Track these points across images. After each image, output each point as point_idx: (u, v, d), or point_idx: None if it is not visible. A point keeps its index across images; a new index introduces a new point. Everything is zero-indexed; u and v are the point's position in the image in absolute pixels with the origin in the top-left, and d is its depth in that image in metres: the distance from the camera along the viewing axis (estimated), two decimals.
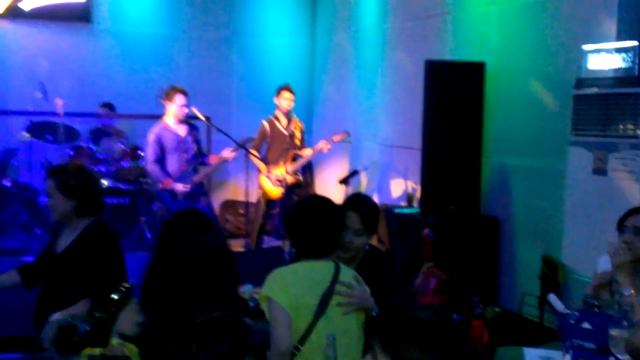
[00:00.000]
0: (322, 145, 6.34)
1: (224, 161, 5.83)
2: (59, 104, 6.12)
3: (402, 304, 1.64)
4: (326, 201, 2.63)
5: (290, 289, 2.38)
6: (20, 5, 7.13)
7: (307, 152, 6.47)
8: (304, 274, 2.45)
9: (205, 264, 1.96)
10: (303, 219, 2.53)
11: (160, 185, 5.62)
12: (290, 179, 6.33)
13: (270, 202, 6.44)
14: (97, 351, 1.82)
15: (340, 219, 2.59)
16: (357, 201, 2.95)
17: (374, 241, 5.57)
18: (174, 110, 5.59)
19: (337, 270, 2.49)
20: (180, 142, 5.65)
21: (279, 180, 6.30)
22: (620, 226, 2.92)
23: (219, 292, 1.98)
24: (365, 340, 1.66)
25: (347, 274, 2.54)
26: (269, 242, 6.78)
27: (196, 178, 5.72)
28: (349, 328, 2.44)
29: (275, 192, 6.33)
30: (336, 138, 6.38)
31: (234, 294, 2.09)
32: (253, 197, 6.71)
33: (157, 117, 6.05)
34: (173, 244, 1.97)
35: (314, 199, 2.73)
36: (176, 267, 1.93)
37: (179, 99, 5.57)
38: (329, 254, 2.54)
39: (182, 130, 5.68)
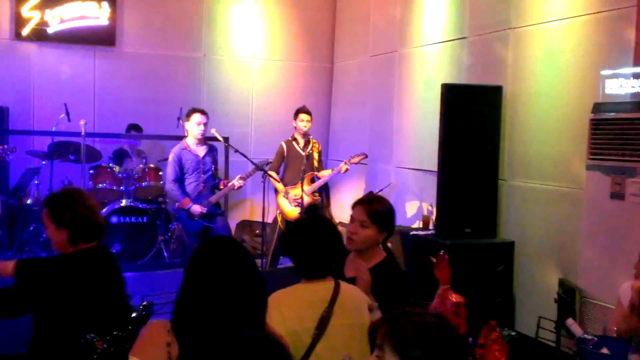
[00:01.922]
0: (342, 166, 6.39)
1: (232, 189, 5.89)
2: (82, 125, 6.23)
3: (410, 308, 1.67)
4: (323, 221, 2.61)
5: (286, 314, 2.34)
6: (45, 28, 7.30)
7: (325, 173, 6.52)
8: (302, 297, 2.42)
9: (237, 289, 1.98)
10: (300, 240, 2.50)
11: (178, 205, 5.70)
12: (307, 200, 6.37)
13: (287, 223, 6.47)
14: None
15: (337, 239, 2.55)
16: (368, 197, 3.07)
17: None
18: (192, 129, 5.71)
19: (337, 290, 2.45)
20: (199, 162, 5.75)
21: (297, 201, 6.33)
22: None
23: (250, 317, 1.99)
24: (370, 341, 1.67)
25: (351, 294, 2.50)
26: (285, 262, 6.80)
27: (212, 199, 5.80)
28: (351, 347, 2.40)
29: (293, 212, 6.37)
30: (354, 160, 6.41)
31: (264, 319, 2.10)
32: (269, 218, 6.74)
33: (178, 137, 6.15)
34: (206, 269, 1.99)
35: (311, 219, 2.70)
36: (209, 292, 1.95)
37: (196, 117, 5.69)
38: (327, 274, 2.51)
39: (201, 151, 5.78)
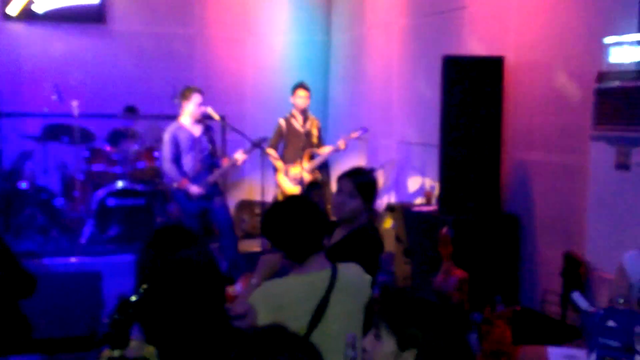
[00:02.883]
0: (339, 143, 6.31)
1: (235, 164, 5.82)
2: (74, 106, 6.13)
3: (408, 286, 1.65)
4: (303, 201, 2.54)
5: (283, 314, 2.24)
6: (33, 7, 7.16)
7: (324, 150, 6.45)
8: (297, 294, 2.31)
9: (194, 279, 1.93)
10: (282, 223, 2.39)
11: (176, 185, 5.62)
12: (307, 177, 6.30)
13: None
14: (116, 353, 1.79)
15: (318, 214, 2.44)
16: (353, 171, 3.26)
17: (391, 239, 5.55)
18: (190, 110, 5.61)
19: (334, 278, 2.36)
20: (195, 141, 5.65)
21: (297, 179, 6.27)
22: None
23: (208, 308, 1.94)
24: (366, 320, 1.65)
25: (350, 277, 2.42)
26: None
27: (210, 178, 5.71)
28: (348, 332, 2.30)
29: (293, 190, 6.31)
30: (354, 135, 6.35)
31: (224, 309, 2.04)
32: (269, 197, 6.68)
33: (173, 117, 6.05)
34: (158, 261, 1.94)
35: (290, 200, 2.66)
36: (164, 285, 1.91)
37: (196, 98, 5.59)
38: (317, 252, 2.40)
39: (197, 130, 5.69)
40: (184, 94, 5.64)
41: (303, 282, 2.34)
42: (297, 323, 2.25)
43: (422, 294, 1.61)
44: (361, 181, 3.14)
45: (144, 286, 2.05)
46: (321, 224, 2.45)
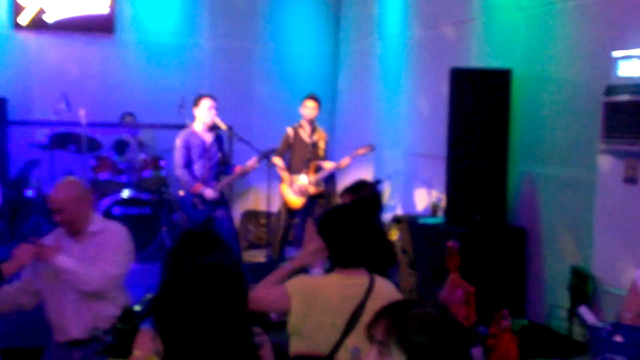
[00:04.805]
0: (344, 161, 6.32)
1: (247, 172, 5.82)
2: (82, 115, 6.15)
3: (409, 300, 1.63)
4: (362, 210, 2.61)
5: (319, 305, 2.35)
6: (44, 17, 7.21)
7: (329, 165, 6.43)
8: (336, 291, 2.40)
9: (218, 283, 1.92)
10: (339, 227, 2.48)
11: (190, 190, 5.63)
12: (312, 190, 6.29)
13: (291, 212, 6.40)
14: None
15: (376, 229, 2.65)
16: (354, 186, 3.33)
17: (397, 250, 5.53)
18: (201, 114, 5.63)
19: (371, 286, 2.43)
20: (205, 149, 5.68)
21: (301, 190, 6.26)
22: None
23: (232, 312, 1.93)
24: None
25: (384, 288, 2.50)
26: (291, 252, 6.74)
27: (218, 186, 5.73)
28: None
29: (297, 202, 6.30)
30: (361, 151, 6.33)
31: (246, 313, 2.04)
32: (275, 207, 6.68)
33: (179, 126, 6.06)
34: (183, 264, 1.93)
35: (351, 208, 2.71)
36: (187, 288, 1.89)
37: (207, 102, 5.62)
38: (364, 264, 2.49)
39: (208, 138, 5.71)
40: (194, 101, 5.68)
41: (343, 283, 2.42)
42: (330, 320, 2.34)
43: (425, 306, 1.58)
44: (361, 196, 3.13)
45: (148, 296, 2.04)
46: (374, 236, 2.58)
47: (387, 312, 1.60)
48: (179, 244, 2.00)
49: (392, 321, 1.56)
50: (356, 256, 2.46)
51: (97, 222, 3.29)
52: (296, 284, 2.40)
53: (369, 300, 2.39)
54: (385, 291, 2.48)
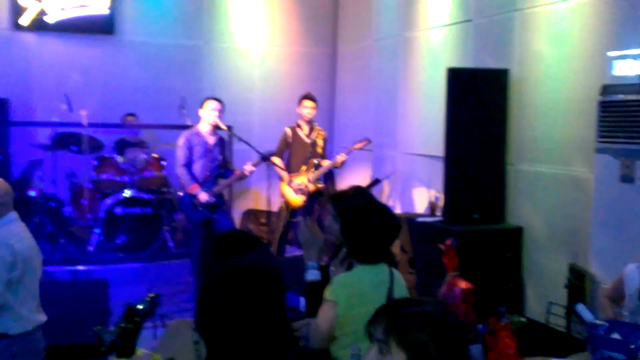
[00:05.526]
0: (339, 157, 6.35)
1: (244, 176, 5.87)
2: (83, 115, 6.19)
3: (408, 299, 1.65)
4: (383, 208, 2.73)
5: (353, 295, 2.49)
6: (45, 18, 7.25)
7: (327, 163, 6.47)
8: (367, 278, 2.57)
9: (257, 283, 1.95)
10: (361, 225, 2.61)
11: (187, 190, 5.67)
12: (311, 187, 6.33)
13: (292, 211, 6.44)
14: None
15: (396, 226, 2.70)
16: (338, 194, 3.24)
17: (396, 249, 5.57)
18: (207, 116, 5.68)
19: (391, 271, 2.63)
20: (207, 150, 5.72)
21: (301, 189, 6.30)
22: None
23: (270, 312, 1.97)
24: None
25: (399, 274, 2.69)
26: (291, 251, 6.78)
27: (217, 189, 5.76)
28: None
29: (297, 200, 6.34)
30: (357, 146, 6.37)
31: (284, 313, 2.08)
32: (275, 206, 6.71)
33: (180, 127, 6.10)
34: (222, 266, 1.96)
35: (372, 206, 2.79)
36: (227, 290, 1.92)
37: (212, 104, 5.68)
38: (382, 260, 2.65)
39: (211, 140, 5.76)
40: (202, 102, 5.74)
41: (371, 271, 2.60)
42: (372, 306, 2.37)
43: (424, 304, 1.61)
44: (342, 205, 3.04)
45: (151, 295, 2.08)
46: (392, 231, 2.69)
47: (387, 311, 1.62)
48: (217, 247, 2.02)
49: (392, 319, 1.58)
50: (376, 254, 2.62)
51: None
52: (333, 287, 2.53)
53: (394, 285, 2.58)
54: (401, 278, 2.68)
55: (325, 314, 2.53)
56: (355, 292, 2.51)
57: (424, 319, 1.55)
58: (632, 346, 2.40)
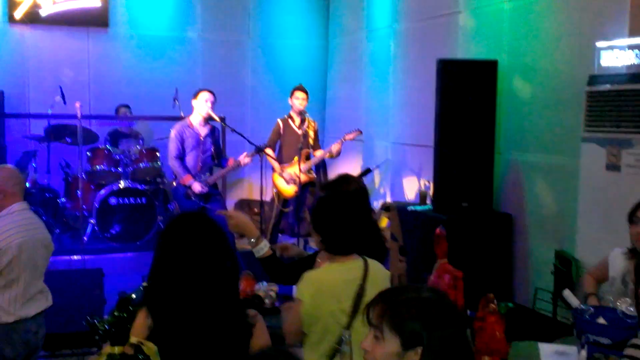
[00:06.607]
0: (334, 147, 6.38)
1: (239, 166, 5.89)
2: (77, 107, 6.22)
3: (405, 285, 1.65)
4: (355, 197, 2.70)
5: (325, 294, 2.41)
6: (38, 11, 7.24)
7: (319, 153, 6.50)
8: (338, 278, 2.47)
9: (208, 263, 2.01)
10: (332, 216, 2.54)
11: (180, 181, 5.70)
12: (303, 178, 6.37)
13: (284, 201, 6.49)
14: (116, 350, 1.85)
15: (369, 215, 2.64)
16: (326, 184, 3.27)
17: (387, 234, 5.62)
18: (200, 107, 5.67)
19: (366, 268, 2.52)
20: (199, 142, 5.74)
21: (293, 179, 6.34)
22: (632, 217, 2.94)
23: (222, 291, 2.03)
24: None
25: (377, 269, 2.58)
26: (284, 240, 6.84)
27: (210, 179, 5.79)
28: None
29: (289, 190, 6.38)
30: (349, 137, 6.40)
31: (238, 296, 2.14)
32: (268, 196, 6.76)
33: (173, 118, 6.12)
34: (175, 247, 2.02)
35: (341, 196, 2.73)
36: (179, 268, 1.99)
37: (205, 95, 5.67)
38: (356, 250, 2.56)
39: (203, 131, 5.77)
40: (194, 94, 5.74)
41: (342, 268, 2.50)
42: (339, 305, 2.42)
43: (421, 291, 1.61)
44: (342, 191, 3.07)
45: (144, 285, 2.13)
46: (365, 221, 2.63)
47: (383, 297, 1.64)
48: (172, 227, 2.08)
49: (386, 306, 1.59)
50: (349, 244, 2.53)
51: (1, 215, 3.22)
52: (299, 285, 2.46)
53: (367, 282, 2.48)
54: (379, 273, 2.58)
55: (289, 312, 2.50)
56: (322, 290, 2.42)
57: (418, 306, 1.55)
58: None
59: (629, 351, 2.12)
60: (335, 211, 2.53)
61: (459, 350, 1.56)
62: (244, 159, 5.77)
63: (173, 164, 5.71)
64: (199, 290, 1.99)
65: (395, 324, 1.55)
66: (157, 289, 2.00)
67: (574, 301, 2.71)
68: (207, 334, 1.97)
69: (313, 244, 3.01)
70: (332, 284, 2.45)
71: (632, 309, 2.52)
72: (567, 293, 2.78)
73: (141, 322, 2.01)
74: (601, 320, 2.52)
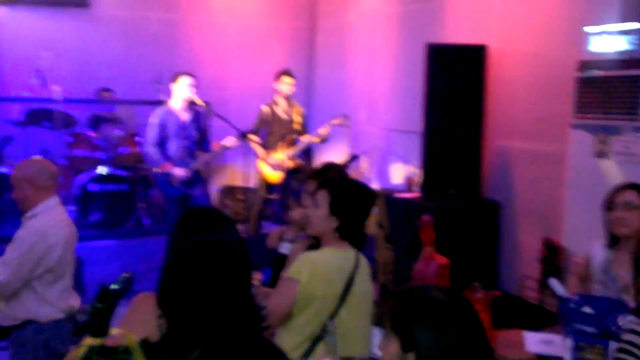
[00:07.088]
0: (322, 131, 6.29)
1: (225, 149, 5.78)
2: (57, 91, 6.08)
3: (413, 285, 1.61)
4: (360, 187, 2.70)
5: (320, 275, 2.44)
6: None
7: (306, 138, 6.43)
8: (334, 262, 2.50)
9: (221, 261, 1.94)
10: (351, 203, 2.57)
11: (160, 169, 5.58)
12: (289, 164, 6.30)
13: (269, 187, 6.42)
14: (97, 342, 1.80)
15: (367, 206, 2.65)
16: (319, 170, 3.28)
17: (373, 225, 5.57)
18: (181, 92, 5.51)
19: (358, 259, 2.56)
20: (181, 127, 5.60)
21: (278, 165, 6.27)
22: (609, 204, 2.92)
23: (235, 290, 1.96)
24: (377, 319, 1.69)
25: (365, 263, 2.62)
26: (268, 227, 6.77)
27: (194, 165, 5.68)
28: (366, 312, 2.53)
29: (275, 177, 6.31)
30: (335, 122, 6.33)
31: (249, 292, 2.07)
32: (252, 183, 6.68)
33: (156, 102, 5.99)
34: (187, 241, 1.94)
35: (359, 185, 2.77)
36: (191, 265, 1.91)
37: (186, 80, 5.51)
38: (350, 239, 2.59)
39: (185, 116, 5.63)
40: (173, 77, 5.58)
41: (338, 255, 2.53)
42: (331, 289, 2.45)
43: (430, 292, 1.54)
44: (327, 179, 3.07)
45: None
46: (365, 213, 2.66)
47: (391, 296, 1.61)
48: (183, 221, 2.00)
49: (391, 305, 1.56)
50: (361, 230, 2.60)
51: (38, 210, 3.22)
52: (297, 265, 2.47)
53: (357, 273, 2.52)
54: (366, 268, 2.62)
55: (284, 292, 2.46)
56: (318, 272, 2.44)
57: (419, 307, 1.51)
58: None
59: (627, 336, 2.08)
60: (359, 197, 2.59)
61: (464, 357, 1.48)
62: (231, 142, 5.67)
63: (150, 150, 5.56)
64: (219, 289, 1.91)
65: (395, 325, 1.52)
66: (173, 287, 1.91)
67: (560, 290, 2.71)
68: (224, 330, 1.89)
69: (291, 232, 2.97)
70: (328, 268, 2.47)
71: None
72: (553, 281, 2.78)
73: (140, 319, 1.92)
74: (587, 309, 2.52)
